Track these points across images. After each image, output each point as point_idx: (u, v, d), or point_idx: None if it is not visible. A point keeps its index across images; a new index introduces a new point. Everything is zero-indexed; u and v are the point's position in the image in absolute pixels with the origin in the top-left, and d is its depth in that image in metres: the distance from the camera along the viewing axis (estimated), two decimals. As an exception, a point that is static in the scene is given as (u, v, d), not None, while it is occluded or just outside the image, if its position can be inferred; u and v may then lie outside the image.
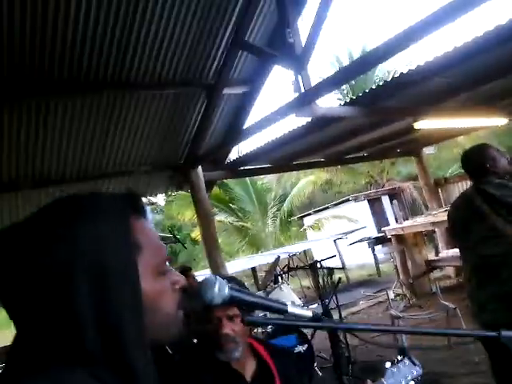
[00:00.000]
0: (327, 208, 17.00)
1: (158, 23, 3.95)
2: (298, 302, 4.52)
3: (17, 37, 3.47)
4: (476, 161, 2.74)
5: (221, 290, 0.84)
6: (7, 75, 3.74)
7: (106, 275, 0.61)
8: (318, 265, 4.53)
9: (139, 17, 3.80)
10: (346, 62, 17.15)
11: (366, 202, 16.12)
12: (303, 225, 16.84)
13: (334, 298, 4.66)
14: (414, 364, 1.41)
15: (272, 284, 4.60)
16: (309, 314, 0.90)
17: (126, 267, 0.63)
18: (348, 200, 16.04)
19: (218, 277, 0.87)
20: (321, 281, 4.59)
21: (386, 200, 16.84)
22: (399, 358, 1.44)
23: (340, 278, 4.21)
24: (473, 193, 2.68)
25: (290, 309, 0.89)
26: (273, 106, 4.01)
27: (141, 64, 4.24)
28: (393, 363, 1.42)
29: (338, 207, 16.06)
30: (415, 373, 1.40)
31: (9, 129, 4.22)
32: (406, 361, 1.42)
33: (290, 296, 4.36)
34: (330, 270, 4.52)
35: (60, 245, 0.60)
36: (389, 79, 4.27)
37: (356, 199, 15.89)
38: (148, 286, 0.65)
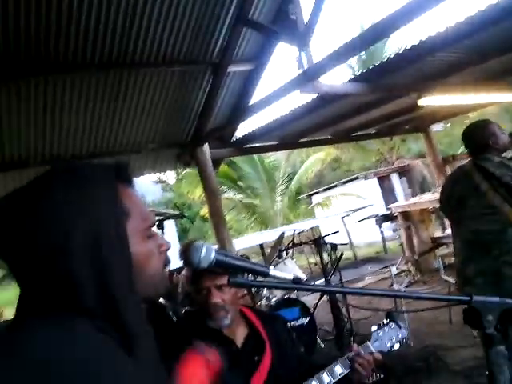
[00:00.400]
0: (336, 186, 17.02)
1: (161, 4, 3.96)
2: (303, 276, 4.62)
3: (23, 14, 3.52)
4: (478, 137, 2.76)
5: (207, 254, 0.91)
6: (16, 53, 3.80)
7: (99, 237, 0.68)
8: (322, 241, 4.61)
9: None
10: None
11: (375, 179, 16.10)
12: (311, 202, 16.91)
13: (338, 273, 4.77)
14: (400, 327, 1.49)
15: (277, 259, 4.71)
16: (290, 276, 0.98)
17: (117, 229, 0.71)
18: (357, 178, 16.04)
19: (205, 242, 0.94)
20: (325, 257, 4.67)
21: (395, 178, 16.81)
22: (385, 321, 1.52)
23: (342, 254, 4.30)
24: (472, 169, 2.71)
25: (272, 272, 0.96)
26: (278, 84, 4.02)
27: (146, 42, 4.27)
28: (379, 326, 1.50)
29: (346, 185, 16.08)
30: (400, 335, 1.48)
31: (17, 106, 4.30)
32: (392, 324, 1.50)
33: (294, 270, 4.46)
34: (334, 246, 4.58)
35: (57, 208, 0.68)
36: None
37: (365, 177, 15.87)
38: (136, 248, 0.73)
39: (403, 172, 16.95)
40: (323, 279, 4.50)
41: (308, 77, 3.74)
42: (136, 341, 0.69)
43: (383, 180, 16.62)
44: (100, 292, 0.67)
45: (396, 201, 16.31)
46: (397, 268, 7.52)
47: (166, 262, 0.80)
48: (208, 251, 0.92)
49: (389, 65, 4.15)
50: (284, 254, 4.86)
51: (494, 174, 2.57)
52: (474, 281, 2.49)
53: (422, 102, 4.60)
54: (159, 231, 3.60)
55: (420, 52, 3.87)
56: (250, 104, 5.14)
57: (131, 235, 0.73)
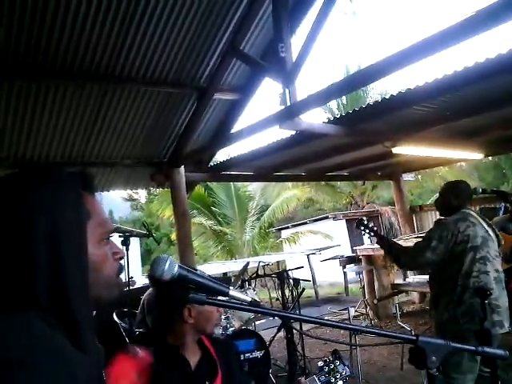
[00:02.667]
0: (305, 223, 17.20)
1: (157, 23, 4.05)
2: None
3: (16, 21, 3.54)
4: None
5: (170, 267, 0.94)
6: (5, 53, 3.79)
7: (60, 230, 0.73)
8: (286, 275, 4.63)
9: (139, 14, 3.89)
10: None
11: (344, 221, 16.36)
12: (280, 236, 16.97)
13: (298, 310, 4.77)
14: (344, 365, 1.55)
15: (239, 288, 4.68)
16: (248, 298, 1.01)
17: (77, 227, 0.76)
18: (327, 217, 16.26)
19: (170, 256, 0.97)
20: (287, 292, 4.69)
21: (363, 221, 17.11)
22: (331, 358, 1.57)
23: (303, 289, 4.33)
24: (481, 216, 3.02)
25: (232, 292, 0.99)
26: (260, 115, 4.13)
27: (135, 59, 4.33)
28: (325, 362, 1.55)
29: (316, 223, 16.26)
30: (344, 373, 1.54)
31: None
32: (337, 361, 1.56)
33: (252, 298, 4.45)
34: (297, 281, 4.60)
35: (25, 199, 0.73)
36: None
37: (335, 217, 16.11)
38: (92, 249, 0.78)
39: (372, 217, 17.29)
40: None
41: (289, 113, 3.85)
42: (82, 335, 0.71)
43: (351, 222, 16.90)
44: (53, 283, 0.70)
45: (362, 244, 16.61)
46: (355, 311, 7.58)
47: (120, 269, 0.85)
48: (171, 264, 0.94)
49: (367, 111, 4.33)
50: (246, 284, 4.85)
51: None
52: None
53: (395, 150, 4.78)
54: (123, 247, 3.55)
55: (398, 103, 4.06)
56: (231, 132, 5.23)
57: (89, 237, 0.78)
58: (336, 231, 15.34)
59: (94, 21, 3.79)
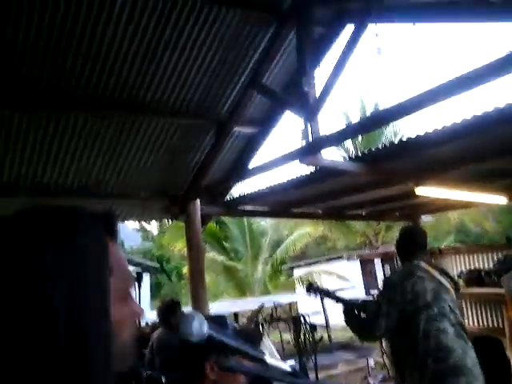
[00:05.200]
0: (319, 262, 16.83)
1: (180, 54, 4.03)
2: (276, 354, 4.34)
3: (39, 49, 3.53)
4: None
5: (200, 328, 0.77)
6: (25, 86, 3.78)
7: (80, 300, 0.58)
8: (303, 320, 4.38)
9: (163, 45, 3.89)
10: (357, 115, 17.61)
11: (358, 261, 16.00)
12: (292, 275, 16.60)
13: (313, 357, 4.49)
14: None
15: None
16: (287, 368, 0.83)
17: (101, 291, 0.61)
18: (341, 257, 15.92)
19: (198, 313, 0.80)
20: (302, 337, 4.43)
21: (378, 263, 16.70)
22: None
23: (322, 337, 4.08)
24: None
25: (269, 360, 0.82)
26: (279, 150, 4.03)
27: (157, 90, 4.30)
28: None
29: (329, 263, 15.91)
30: None
31: (16, 135, 4.21)
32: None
33: (270, 349, 4.19)
34: (314, 327, 4.35)
35: (36, 263, 0.58)
36: (395, 141, 4.31)
37: (349, 258, 15.77)
38: (112, 310, 0.63)
39: (386, 258, 16.89)
40: (295, 360, 4.23)
41: (311, 149, 3.74)
42: None
43: (366, 263, 16.52)
44: (73, 362, 0.56)
45: (376, 286, 16.12)
46: (373, 360, 7.20)
47: (136, 333, 0.70)
48: (201, 325, 0.77)
49: (390, 150, 4.20)
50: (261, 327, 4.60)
51: None
52: None
53: (418, 191, 4.60)
54: (135, 284, 3.39)
55: (424, 143, 3.92)
56: (250, 167, 5.11)
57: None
58: (350, 272, 14.97)
59: (117, 51, 3.79)
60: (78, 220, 0.66)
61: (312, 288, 3.04)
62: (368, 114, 17.60)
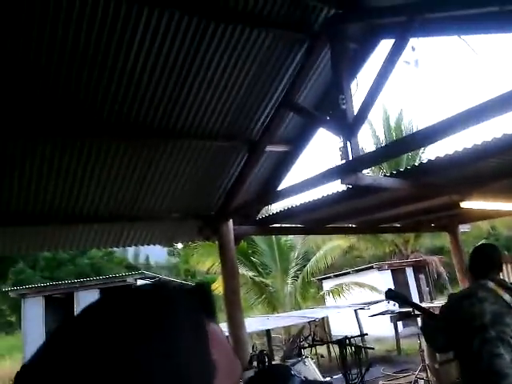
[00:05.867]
0: (348, 273, 16.52)
1: (211, 78, 3.99)
2: (321, 378, 4.19)
3: (72, 78, 3.54)
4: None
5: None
6: (60, 113, 3.79)
7: None
8: (347, 341, 4.23)
9: (194, 71, 3.85)
10: (381, 125, 17.35)
11: (389, 271, 15.62)
12: (322, 287, 16.33)
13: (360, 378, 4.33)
14: None
15: (295, 357, 4.30)
16: None
17: None
18: (371, 268, 15.58)
19: (288, 366, 0.69)
20: (340, 352, 4.26)
21: (409, 272, 16.29)
22: None
23: (370, 364, 3.92)
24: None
25: None
26: (310, 168, 3.95)
27: (189, 115, 4.26)
28: None
29: (359, 274, 15.58)
30: None
31: (49, 163, 4.22)
32: None
33: (314, 372, 4.05)
34: (359, 348, 4.19)
35: (136, 357, 0.46)
36: (418, 157, 4.16)
37: (379, 268, 15.41)
38: None
39: (418, 267, 16.48)
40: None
41: (351, 168, 3.63)
42: None
43: (397, 273, 16.13)
44: None
45: (410, 297, 15.71)
46: (416, 376, 6.94)
47: None
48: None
49: (432, 165, 4.05)
50: (303, 351, 4.45)
51: None
52: None
53: (464, 204, 4.43)
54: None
55: (462, 158, 3.78)
56: (283, 187, 5.00)
57: None
58: (381, 283, 14.58)
59: (150, 77, 3.76)
60: (173, 309, 0.53)
61: (390, 294, 3.04)
62: (392, 123, 17.37)
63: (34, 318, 13.01)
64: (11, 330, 22.90)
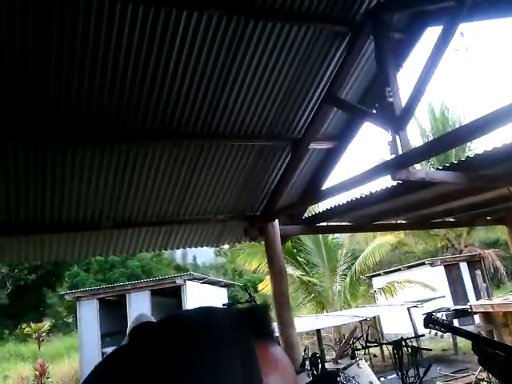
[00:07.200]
0: (399, 270, 16.04)
1: (252, 78, 3.94)
2: (376, 380, 4.05)
3: (117, 89, 3.60)
4: None
5: None
6: (105, 121, 3.87)
7: None
8: (404, 343, 4.06)
9: (234, 72, 3.82)
10: (426, 117, 16.75)
11: (442, 267, 14.98)
12: (371, 285, 15.94)
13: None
14: None
15: (349, 358, 4.19)
16: None
17: None
18: (423, 263, 15.03)
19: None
20: (391, 351, 4.09)
21: (464, 267, 15.59)
22: None
23: (430, 366, 3.74)
24: None
25: None
26: (355, 165, 3.80)
27: (231, 116, 4.24)
28: None
29: (411, 270, 15.07)
30: None
31: (98, 171, 4.32)
32: None
33: (369, 375, 3.91)
34: (415, 350, 4.02)
35: None
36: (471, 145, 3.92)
37: (432, 264, 14.83)
38: None
39: (473, 262, 15.73)
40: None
41: (402, 162, 3.46)
42: None
43: (450, 269, 15.46)
44: None
45: (464, 294, 15.02)
46: (476, 377, 6.61)
47: None
48: None
49: (488, 156, 3.81)
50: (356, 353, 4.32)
51: None
52: None
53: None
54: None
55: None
56: (332, 185, 4.86)
57: None
58: (434, 279, 14.04)
59: (191, 81, 3.77)
60: (216, 340, 0.49)
61: (431, 321, 2.68)
62: (437, 114, 16.75)
63: (89, 319, 13.50)
64: (68, 330, 23.95)
